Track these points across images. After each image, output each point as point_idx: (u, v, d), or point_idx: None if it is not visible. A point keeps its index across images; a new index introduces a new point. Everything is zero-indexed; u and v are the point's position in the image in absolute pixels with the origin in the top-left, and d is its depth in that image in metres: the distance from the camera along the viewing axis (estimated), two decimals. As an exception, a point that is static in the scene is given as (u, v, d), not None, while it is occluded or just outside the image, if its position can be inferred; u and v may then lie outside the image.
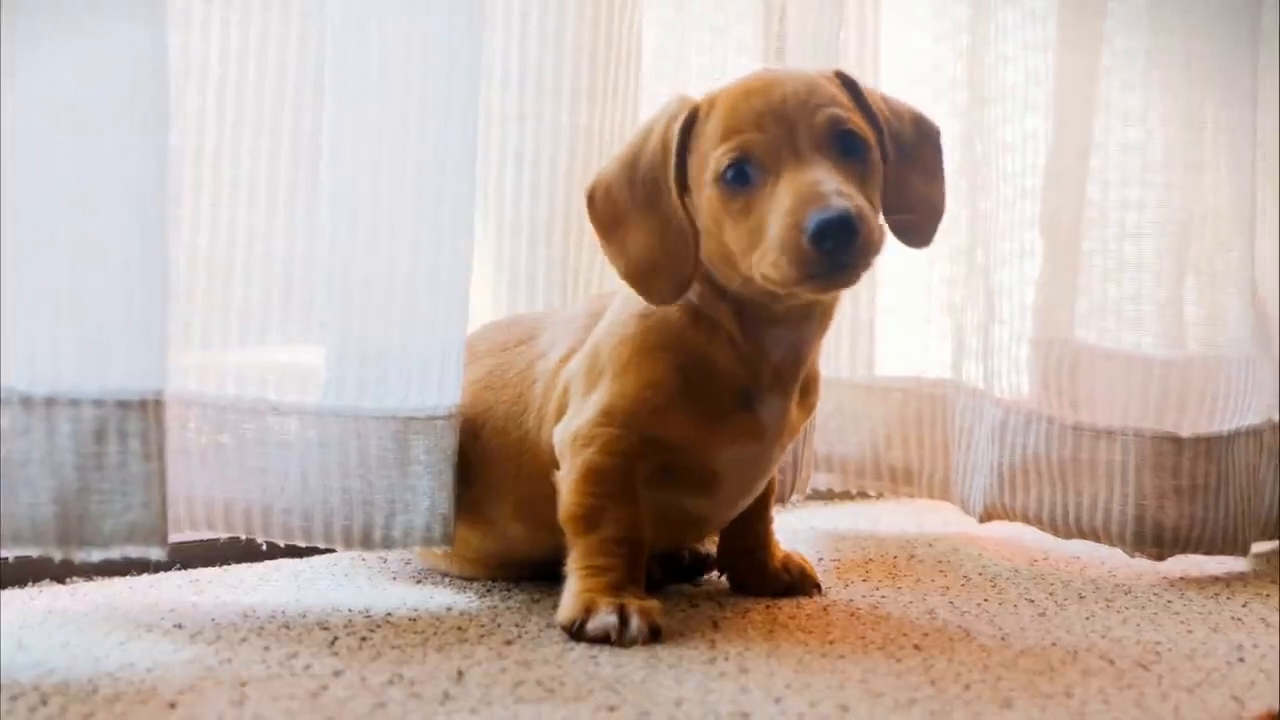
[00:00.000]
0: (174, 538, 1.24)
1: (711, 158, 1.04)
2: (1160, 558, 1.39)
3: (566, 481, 1.10)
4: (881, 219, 1.07)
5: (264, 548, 1.23)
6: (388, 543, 1.14)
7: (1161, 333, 1.43)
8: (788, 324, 1.09)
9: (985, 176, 1.48)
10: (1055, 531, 1.42)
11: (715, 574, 1.27)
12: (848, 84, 1.09)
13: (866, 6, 1.57)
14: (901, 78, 1.60)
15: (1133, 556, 1.40)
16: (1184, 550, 1.38)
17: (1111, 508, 1.38)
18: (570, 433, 1.10)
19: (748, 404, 1.10)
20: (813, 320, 1.11)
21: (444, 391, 1.15)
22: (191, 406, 1.13)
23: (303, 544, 1.15)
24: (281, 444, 1.13)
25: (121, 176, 0.98)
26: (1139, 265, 1.43)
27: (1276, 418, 1.48)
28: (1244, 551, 1.42)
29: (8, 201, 0.95)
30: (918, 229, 1.13)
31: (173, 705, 0.86)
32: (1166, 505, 1.37)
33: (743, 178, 1.03)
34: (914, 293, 1.62)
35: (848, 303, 1.58)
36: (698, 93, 1.10)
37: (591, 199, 1.11)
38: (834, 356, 1.57)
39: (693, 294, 1.10)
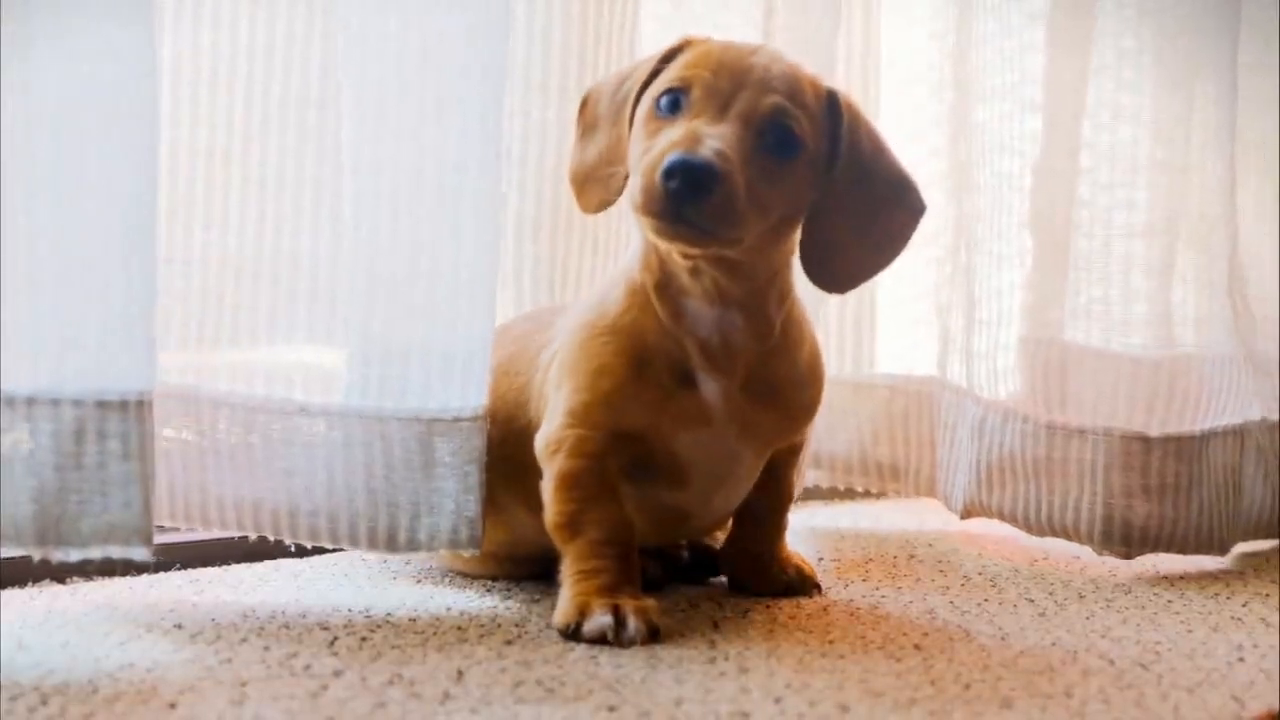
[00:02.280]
0: (175, 538, 1.25)
1: (660, 80, 1.07)
2: (1128, 556, 1.39)
3: (546, 490, 1.10)
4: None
5: (283, 547, 1.22)
6: (413, 545, 1.14)
7: (1135, 332, 1.43)
8: (702, 299, 1.09)
9: (973, 178, 1.48)
10: (1029, 529, 1.42)
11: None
12: (831, 104, 1.09)
13: (866, 4, 1.57)
14: (900, 76, 1.60)
15: (1100, 555, 1.40)
16: (1154, 549, 1.38)
17: (1081, 506, 1.39)
18: (544, 440, 1.11)
19: (688, 381, 1.09)
20: (730, 306, 1.09)
21: (468, 392, 1.14)
22: (221, 407, 1.13)
23: (329, 545, 1.16)
24: (308, 445, 1.13)
25: (106, 177, 0.98)
26: (1107, 263, 1.43)
27: (1273, 418, 1.48)
28: (1222, 551, 1.41)
29: (-7, 201, 0.95)
30: (835, 275, 1.11)
31: (173, 705, 0.86)
32: (1135, 504, 1.37)
33: (673, 107, 1.05)
34: (907, 293, 1.62)
35: (836, 303, 1.58)
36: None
37: (584, 103, 1.15)
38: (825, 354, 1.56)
39: (635, 268, 1.11)
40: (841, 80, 1.52)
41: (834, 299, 1.57)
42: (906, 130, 1.58)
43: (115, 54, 0.98)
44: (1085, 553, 1.45)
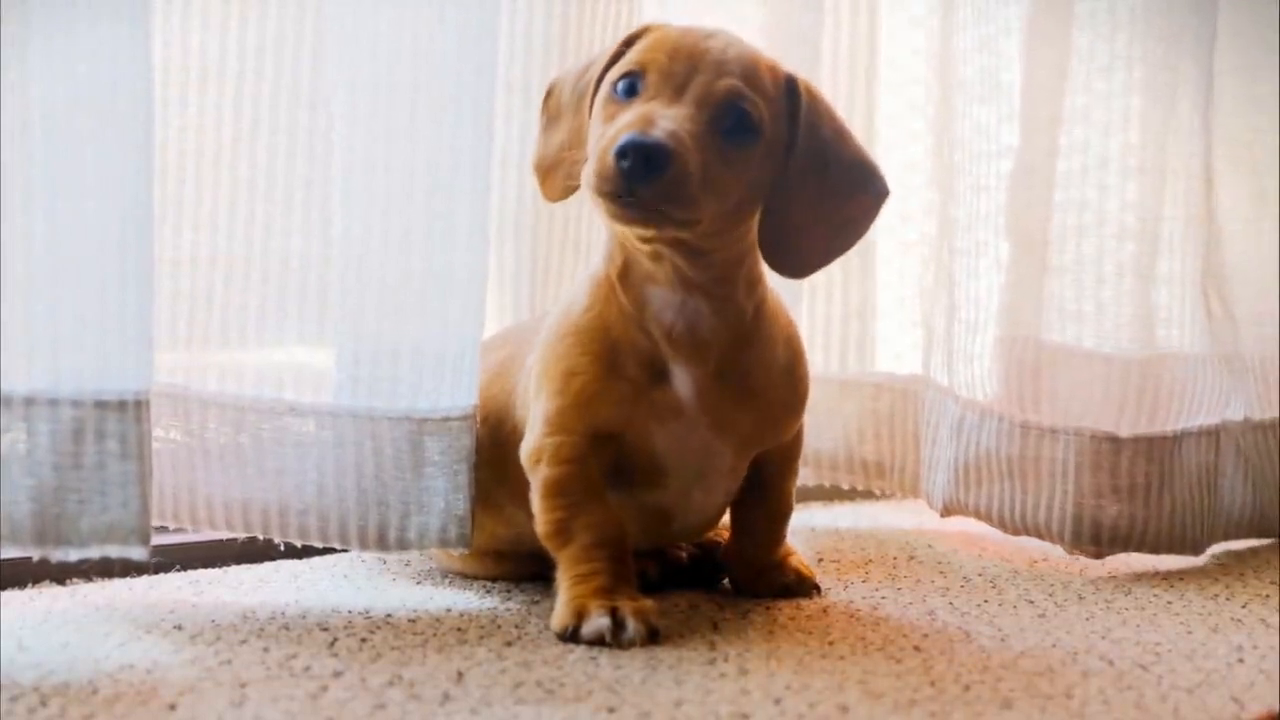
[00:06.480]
0: (175, 538, 1.25)
1: (618, 66, 1.07)
2: (1099, 555, 1.39)
3: (534, 500, 1.10)
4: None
5: (282, 548, 1.22)
6: (403, 544, 1.15)
7: (1110, 332, 1.43)
8: (665, 285, 1.08)
9: (964, 180, 1.47)
10: (1004, 528, 1.43)
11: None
12: (790, 89, 1.08)
13: (861, 4, 1.57)
14: (900, 78, 1.59)
15: (1071, 554, 1.41)
16: (1125, 549, 1.39)
17: (1052, 505, 1.39)
18: (526, 451, 1.11)
19: (659, 374, 1.09)
20: (694, 292, 1.08)
21: (458, 392, 1.15)
22: (211, 407, 1.14)
23: (319, 544, 1.16)
24: (299, 444, 1.14)
25: (103, 176, 0.98)
26: (1081, 264, 1.43)
27: (1255, 418, 1.49)
28: (1195, 551, 1.42)
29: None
30: (791, 259, 1.10)
31: (173, 706, 0.86)
32: (1105, 504, 1.38)
33: (630, 91, 1.05)
34: (904, 292, 1.62)
35: (823, 302, 1.58)
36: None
37: (548, 94, 1.15)
38: (809, 352, 1.55)
39: (600, 263, 1.11)
40: (828, 79, 1.52)
41: (821, 294, 1.57)
42: (904, 131, 1.59)
43: (112, 54, 0.98)
44: (1084, 553, 1.46)
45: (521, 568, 1.23)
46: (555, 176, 1.12)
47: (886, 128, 1.59)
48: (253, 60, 1.15)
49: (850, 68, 1.56)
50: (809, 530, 1.54)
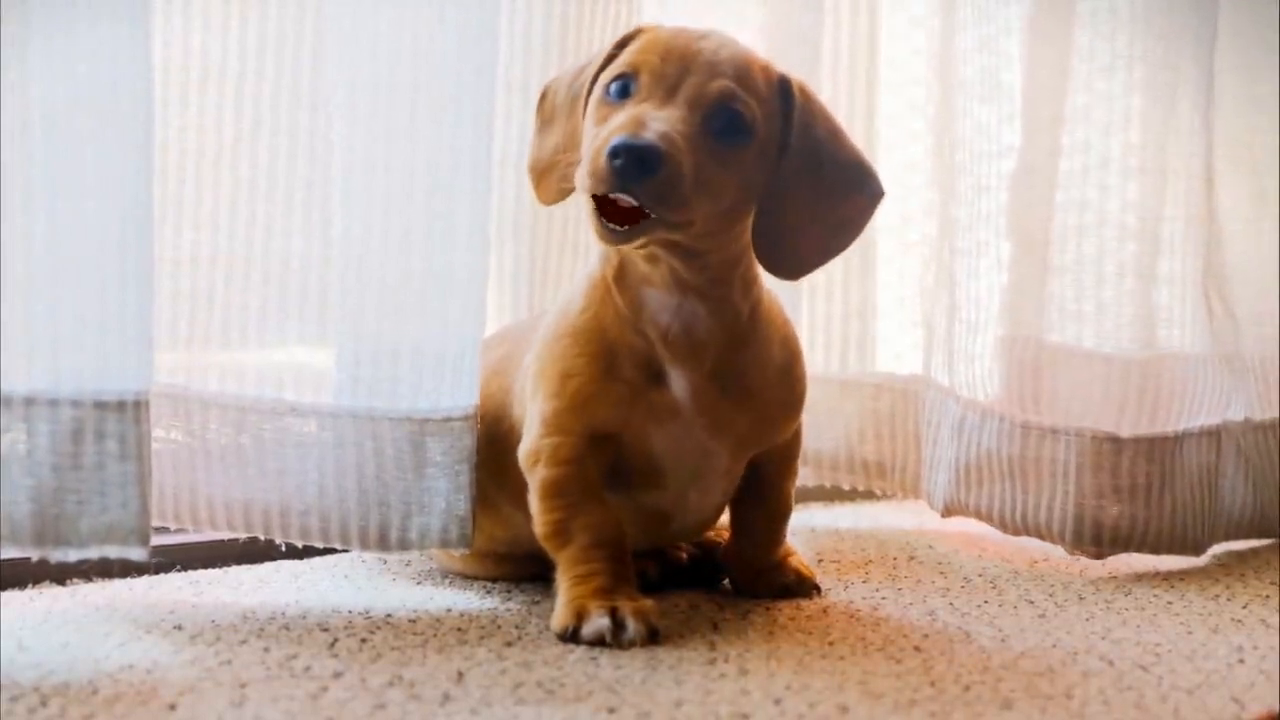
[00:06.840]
0: (175, 538, 1.25)
1: (611, 68, 1.07)
2: (1099, 556, 1.40)
3: (532, 502, 1.10)
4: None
5: (279, 547, 1.22)
6: (404, 544, 1.15)
7: (1111, 333, 1.44)
8: (661, 287, 1.08)
9: (964, 180, 1.47)
10: (1004, 528, 1.43)
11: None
12: (783, 90, 1.08)
13: (861, 4, 1.57)
14: (901, 78, 1.59)
15: (1072, 555, 1.41)
16: (1125, 549, 1.39)
17: (1054, 506, 1.39)
18: (525, 452, 1.11)
19: (655, 375, 1.09)
20: (690, 294, 1.08)
21: (459, 392, 1.15)
22: (212, 407, 1.14)
23: (320, 545, 1.16)
24: (300, 445, 1.14)
25: (103, 176, 0.98)
26: (1080, 264, 1.43)
27: (1256, 418, 1.49)
28: (1196, 551, 1.42)
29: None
30: (786, 260, 1.10)
31: (173, 706, 0.86)
32: (1106, 504, 1.38)
33: (623, 93, 1.05)
34: (897, 293, 1.62)
35: (823, 301, 1.58)
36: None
37: (543, 96, 1.15)
38: (809, 352, 1.55)
39: (596, 263, 1.11)
40: (828, 79, 1.52)
41: (822, 294, 1.57)
42: (905, 131, 1.59)
43: (112, 54, 0.98)
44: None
45: (522, 569, 1.23)
46: (550, 179, 1.12)
47: (887, 128, 1.59)
48: (253, 60, 1.15)
49: (850, 68, 1.56)
50: (809, 530, 1.54)
